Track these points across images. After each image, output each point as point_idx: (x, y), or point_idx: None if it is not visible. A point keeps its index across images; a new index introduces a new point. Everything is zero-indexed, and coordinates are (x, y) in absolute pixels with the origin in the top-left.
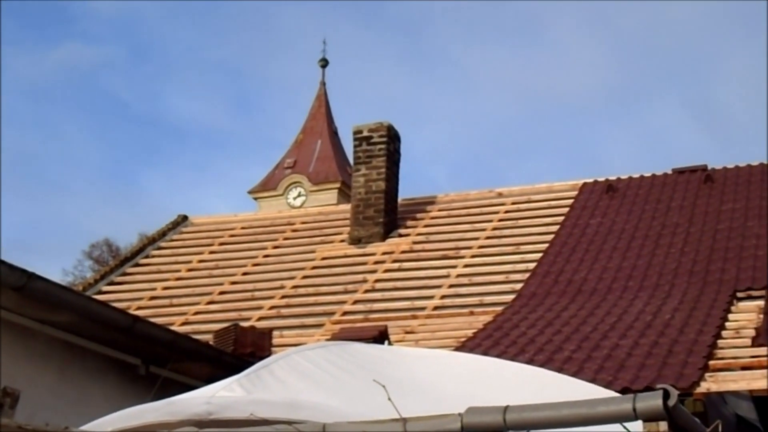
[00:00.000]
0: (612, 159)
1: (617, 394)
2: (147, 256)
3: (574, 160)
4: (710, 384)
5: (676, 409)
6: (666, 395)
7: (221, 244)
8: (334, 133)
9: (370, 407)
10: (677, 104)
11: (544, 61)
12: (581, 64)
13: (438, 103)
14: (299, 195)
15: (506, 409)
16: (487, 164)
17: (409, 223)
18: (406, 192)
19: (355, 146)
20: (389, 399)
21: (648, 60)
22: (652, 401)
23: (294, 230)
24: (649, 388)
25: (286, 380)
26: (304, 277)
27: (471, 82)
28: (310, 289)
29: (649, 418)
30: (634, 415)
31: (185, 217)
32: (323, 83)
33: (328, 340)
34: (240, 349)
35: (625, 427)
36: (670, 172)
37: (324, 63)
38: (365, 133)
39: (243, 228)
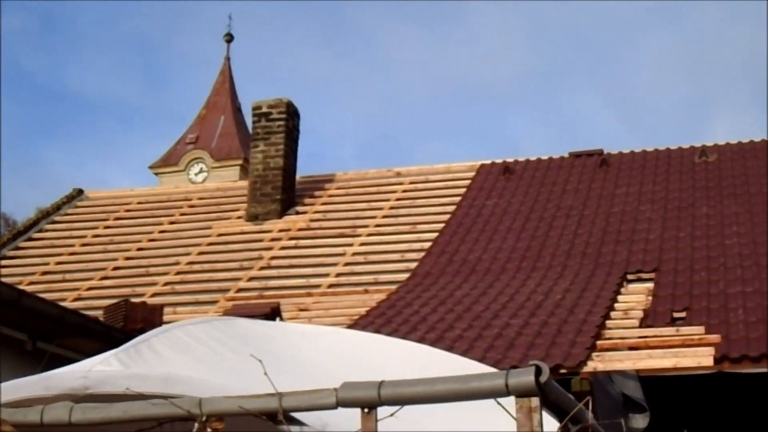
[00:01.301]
0: (524, 142)
1: (494, 369)
2: (41, 230)
3: (486, 142)
4: (597, 363)
5: (548, 385)
6: (538, 371)
7: (117, 218)
8: (237, 110)
9: (249, 382)
10: (590, 89)
11: (460, 43)
12: (497, 48)
13: (350, 82)
14: (201, 171)
15: (381, 384)
16: (396, 144)
17: (307, 200)
18: (312, 170)
19: (254, 122)
20: (265, 374)
21: (562, 45)
22: (524, 377)
23: (191, 206)
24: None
25: (165, 355)
26: (200, 253)
27: (386, 61)
28: (206, 266)
29: (521, 393)
30: (506, 391)
31: (81, 191)
32: (228, 58)
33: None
34: (130, 325)
35: (498, 403)
36: (566, 155)
37: (229, 38)
38: (264, 109)
39: (139, 203)
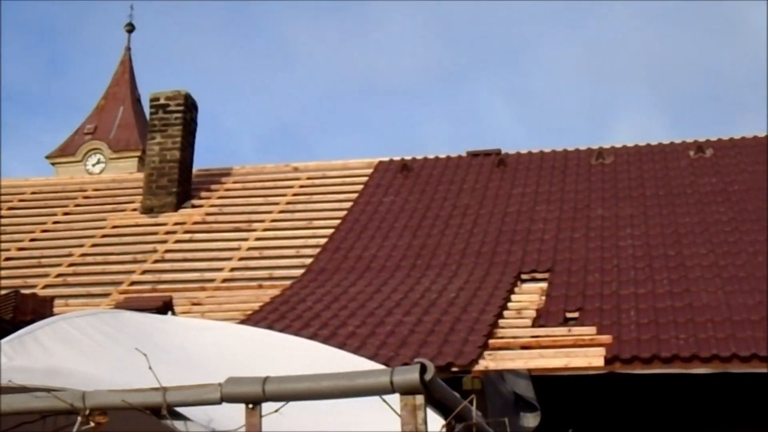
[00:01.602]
0: (427, 140)
1: (382, 367)
2: None
3: (389, 139)
4: (489, 362)
5: (433, 383)
6: (423, 369)
7: (9, 208)
8: (137, 101)
9: (135, 376)
10: (493, 90)
11: (366, 40)
12: (402, 45)
13: (254, 76)
14: (98, 162)
15: (266, 379)
16: (298, 139)
17: (203, 194)
18: (213, 163)
19: (151, 114)
20: (150, 368)
21: (467, 45)
22: (409, 375)
23: (86, 197)
24: None
25: (50, 347)
26: (94, 245)
27: (290, 56)
28: (99, 258)
29: (406, 391)
30: (391, 389)
31: None
32: (128, 49)
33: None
34: (20, 317)
35: (383, 400)
36: (464, 154)
37: (130, 28)
38: (162, 101)
39: (33, 193)
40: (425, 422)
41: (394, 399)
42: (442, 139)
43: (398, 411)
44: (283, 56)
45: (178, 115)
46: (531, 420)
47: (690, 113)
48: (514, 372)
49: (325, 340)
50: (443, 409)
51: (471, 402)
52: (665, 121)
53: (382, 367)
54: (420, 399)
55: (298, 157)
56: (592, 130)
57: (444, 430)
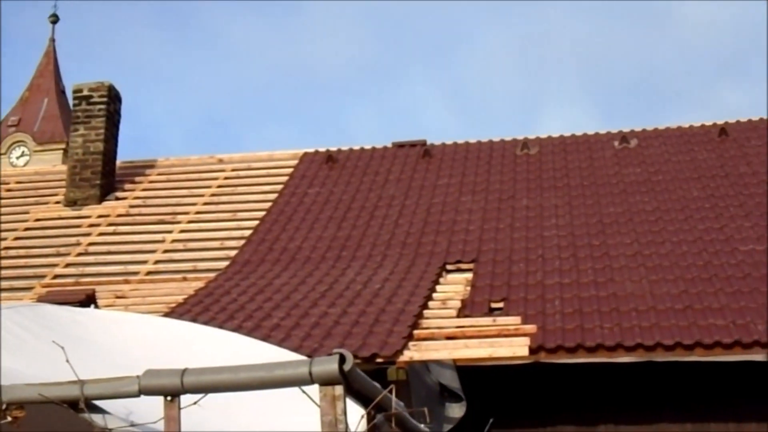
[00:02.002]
0: (359, 132)
1: (303, 358)
2: None
3: (321, 131)
4: (414, 353)
5: (352, 373)
6: (342, 360)
7: None
8: (62, 92)
9: (54, 370)
10: (424, 81)
11: (297, 32)
12: (334, 37)
13: (185, 68)
14: (23, 154)
15: (184, 371)
16: (228, 131)
17: (127, 186)
18: (140, 155)
19: (74, 106)
20: (67, 361)
21: (400, 37)
22: (328, 365)
23: (8, 190)
24: (353, 356)
25: None
26: (16, 238)
27: (221, 48)
28: (22, 251)
29: (325, 382)
30: (310, 379)
31: None
32: (53, 40)
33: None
34: None
35: (303, 391)
36: (390, 145)
37: (54, 19)
38: (85, 93)
39: None
40: (345, 412)
41: (315, 390)
42: (373, 132)
43: (318, 402)
44: (212, 48)
45: (102, 106)
46: (456, 410)
47: (618, 104)
48: (439, 362)
49: (249, 333)
50: (363, 400)
51: (391, 392)
52: (594, 112)
53: (302, 357)
54: (339, 389)
55: (227, 149)
56: (522, 121)
57: (364, 420)
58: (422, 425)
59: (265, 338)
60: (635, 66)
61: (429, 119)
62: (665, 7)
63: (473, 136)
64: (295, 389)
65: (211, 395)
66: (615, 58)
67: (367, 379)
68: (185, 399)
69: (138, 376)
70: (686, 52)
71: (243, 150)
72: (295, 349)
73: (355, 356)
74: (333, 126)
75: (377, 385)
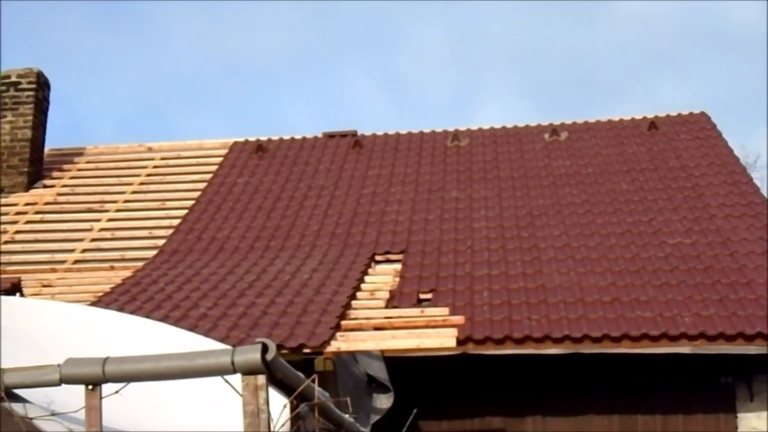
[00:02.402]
0: (295, 122)
1: (226, 347)
2: None
3: (256, 120)
4: (341, 343)
5: (275, 362)
6: (264, 349)
7: None
8: None
9: None
10: (360, 71)
11: (233, 21)
12: (271, 27)
13: (118, 55)
14: None
15: (105, 360)
16: (162, 119)
17: (56, 174)
18: (70, 143)
19: (2, 92)
20: None
21: (336, 27)
22: (250, 355)
23: None
24: (280, 346)
25: None
26: None
27: (155, 35)
28: None
29: (247, 371)
30: (232, 369)
31: None
32: None
33: None
34: None
35: (225, 380)
36: (320, 135)
37: None
38: (13, 79)
39: None
40: (267, 402)
41: (238, 379)
42: (307, 122)
43: (240, 391)
44: (145, 35)
45: (30, 93)
46: (384, 401)
47: (552, 97)
48: (367, 353)
49: (176, 323)
50: (287, 389)
51: (314, 382)
52: (528, 105)
53: (223, 346)
54: (261, 379)
55: (160, 138)
56: (457, 113)
57: (287, 410)
58: (347, 415)
59: (192, 328)
60: (570, 59)
61: (363, 109)
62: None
63: (408, 126)
64: (218, 379)
65: (134, 384)
66: (550, 50)
67: (290, 368)
68: (107, 388)
69: (59, 365)
70: (621, 45)
71: (175, 138)
72: (222, 340)
73: (283, 347)
74: (267, 115)
75: (301, 374)
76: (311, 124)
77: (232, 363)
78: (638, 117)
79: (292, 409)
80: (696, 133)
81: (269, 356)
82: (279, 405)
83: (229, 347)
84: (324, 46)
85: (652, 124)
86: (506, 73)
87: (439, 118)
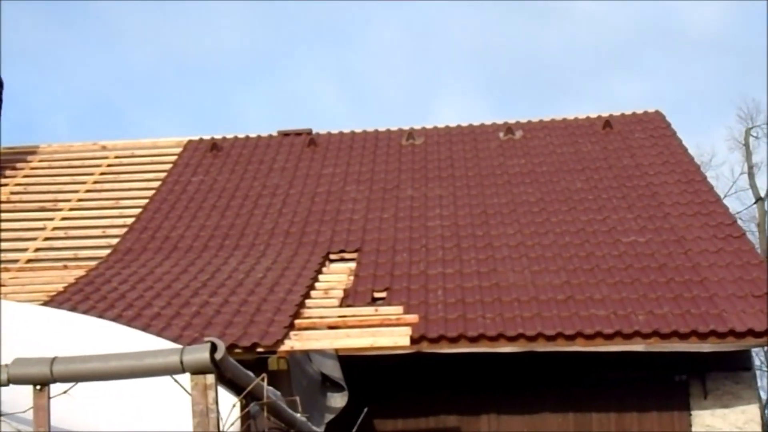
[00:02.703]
0: (251, 119)
1: (177, 346)
2: None
3: (213, 119)
4: (295, 342)
5: (224, 361)
6: (213, 348)
7: None
8: None
9: None
10: (318, 69)
11: (190, 20)
12: (226, 24)
13: (73, 53)
14: None
15: (53, 360)
16: (118, 117)
17: (8, 172)
18: (23, 141)
19: None
20: None
21: (292, 24)
22: (199, 354)
23: None
24: (234, 346)
25: None
26: None
27: (110, 33)
28: None
29: (196, 370)
30: (181, 368)
31: None
32: None
33: None
34: None
35: (175, 380)
36: (275, 133)
37: None
38: None
39: None
40: (216, 401)
41: (186, 378)
42: (266, 120)
43: (189, 391)
44: (100, 33)
45: None
46: (338, 400)
47: (510, 96)
48: (321, 352)
49: (130, 322)
50: (236, 389)
51: (264, 380)
52: (485, 104)
53: (175, 346)
54: (210, 378)
55: (114, 137)
56: (415, 111)
57: (237, 409)
58: (299, 414)
59: (146, 327)
60: (527, 58)
61: (321, 108)
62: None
63: (366, 125)
64: (168, 378)
65: (84, 384)
66: (508, 49)
67: (239, 367)
68: (56, 388)
69: (6, 365)
70: (578, 45)
71: (130, 137)
72: (176, 339)
73: (236, 346)
74: (223, 114)
75: (250, 373)
76: (268, 123)
77: (181, 362)
78: (593, 116)
79: (242, 408)
80: (650, 131)
81: (218, 355)
82: (229, 405)
83: (178, 346)
84: (281, 44)
85: (607, 122)
86: (464, 71)
87: (396, 117)
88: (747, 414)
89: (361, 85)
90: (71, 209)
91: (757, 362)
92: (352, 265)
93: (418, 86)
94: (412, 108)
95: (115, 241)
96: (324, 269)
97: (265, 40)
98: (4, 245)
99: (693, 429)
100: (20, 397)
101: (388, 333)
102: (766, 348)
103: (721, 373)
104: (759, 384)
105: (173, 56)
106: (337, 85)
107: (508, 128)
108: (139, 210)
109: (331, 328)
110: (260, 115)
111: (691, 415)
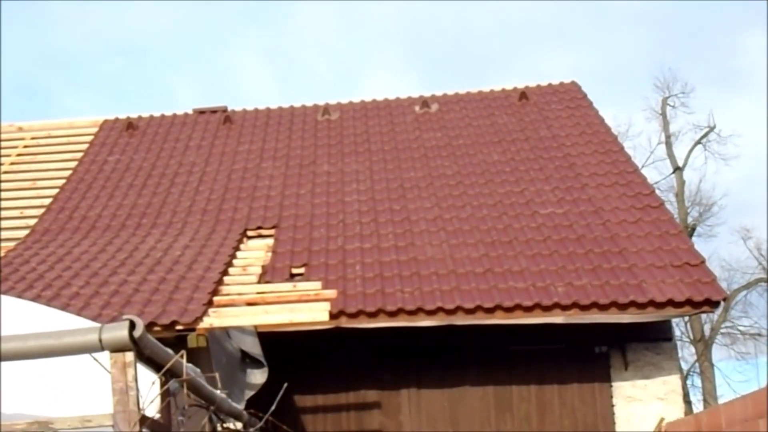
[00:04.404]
0: (179, 99)
1: (95, 324)
2: None
3: (134, 98)
4: (214, 319)
5: (143, 339)
6: (132, 326)
7: None
8: None
9: None
10: (247, 46)
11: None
12: (151, 5)
13: None
14: None
15: None
16: (37, 99)
17: None
18: None
19: None
20: None
21: (219, 2)
22: (117, 332)
23: None
24: (153, 324)
25: None
26: None
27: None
28: None
29: (115, 348)
30: (100, 346)
31: None
32: None
33: None
34: None
35: (94, 358)
36: (191, 111)
37: None
38: None
39: None
40: (136, 379)
41: (105, 357)
42: (193, 99)
43: (109, 369)
44: (22, 13)
45: None
46: (258, 376)
47: (438, 69)
48: (240, 329)
49: (48, 302)
50: (156, 366)
51: (182, 358)
52: (413, 77)
53: (92, 324)
54: (130, 356)
55: (34, 117)
56: (344, 87)
57: (156, 386)
58: (218, 391)
59: (65, 307)
60: (456, 32)
61: (248, 86)
62: None
63: (292, 101)
64: (87, 357)
65: (4, 365)
66: (436, 23)
67: (158, 345)
68: None
69: None
70: (505, 18)
71: (50, 118)
72: (95, 318)
73: (155, 324)
74: (149, 95)
75: (169, 351)
76: (197, 103)
77: (100, 340)
78: (509, 88)
79: (162, 385)
80: (567, 102)
81: (137, 333)
82: (149, 382)
83: (97, 325)
84: (209, 23)
85: (523, 94)
86: (393, 46)
87: (325, 93)
88: (668, 384)
89: (290, 62)
90: None
91: (677, 333)
92: (270, 241)
93: (347, 62)
94: (342, 84)
95: (32, 222)
96: (242, 246)
97: (193, 18)
98: None
99: (614, 400)
100: None
101: (307, 309)
102: (686, 318)
103: (641, 344)
104: (680, 355)
105: (96, 35)
106: (265, 63)
107: (424, 102)
108: (57, 191)
109: (249, 304)
110: (187, 96)
111: (612, 386)
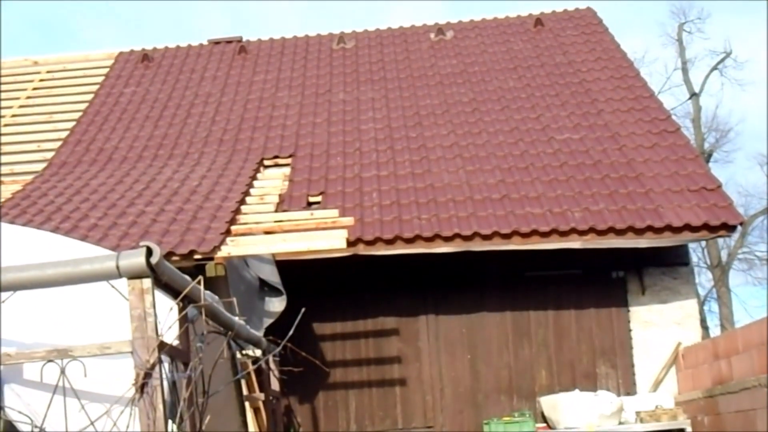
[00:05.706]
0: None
1: (110, 252)
2: None
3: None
4: (232, 248)
5: (160, 266)
6: (149, 253)
7: None
8: None
9: None
10: None
11: None
12: None
13: None
14: None
15: None
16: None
17: None
18: None
19: None
20: None
21: None
22: (135, 259)
23: None
24: (171, 253)
25: None
26: None
27: None
28: None
29: (132, 275)
30: (118, 273)
31: None
32: None
33: None
34: None
35: (111, 285)
36: (206, 42)
37: None
38: None
39: None
40: (153, 305)
41: (123, 283)
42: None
43: (126, 296)
44: None
45: None
46: (276, 304)
47: None
48: (258, 257)
49: (67, 234)
50: (173, 293)
51: (200, 284)
52: (434, 5)
53: (108, 252)
54: (147, 282)
55: (45, 52)
56: (372, 13)
57: (174, 312)
58: (236, 318)
59: (83, 239)
60: None
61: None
62: None
63: (315, 31)
64: (105, 284)
65: (23, 294)
66: None
67: (176, 271)
68: None
69: None
70: None
71: (68, 50)
72: (113, 248)
73: (173, 253)
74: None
75: (187, 277)
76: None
77: (117, 267)
78: (524, 14)
79: (179, 311)
80: (582, 28)
81: (154, 259)
82: (167, 309)
83: (114, 253)
84: None
85: (538, 20)
86: None
87: (344, 22)
88: (685, 309)
89: None
90: (6, 125)
91: (695, 259)
92: (287, 170)
93: None
94: (368, 12)
95: (50, 155)
96: (258, 175)
97: None
98: None
99: (631, 325)
100: None
101: (325, 236)
102: (703, 244)
103: (658, 268)
104: (696, 281)
105: None
106: None
107: (439, 29)
108: (73, 123)
109: (267, 233)
110: (204, 26)
111: (629, 311)
